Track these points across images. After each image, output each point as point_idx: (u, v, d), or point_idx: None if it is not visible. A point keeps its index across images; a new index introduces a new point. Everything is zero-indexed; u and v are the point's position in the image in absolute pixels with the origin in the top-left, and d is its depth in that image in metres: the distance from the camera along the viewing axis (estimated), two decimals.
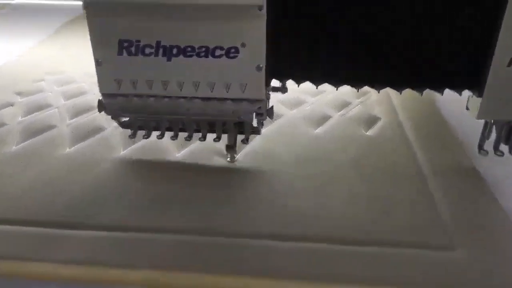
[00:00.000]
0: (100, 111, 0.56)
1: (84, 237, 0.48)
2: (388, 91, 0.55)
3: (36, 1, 0.68)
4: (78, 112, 0.75)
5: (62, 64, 1.00)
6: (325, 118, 0.74)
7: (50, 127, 0.71)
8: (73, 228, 0.49)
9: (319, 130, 0.71)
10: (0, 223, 0.49)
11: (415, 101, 0.76)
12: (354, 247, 0.46)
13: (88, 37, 0.52)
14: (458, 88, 0.53)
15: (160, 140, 0.64)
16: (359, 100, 0.81)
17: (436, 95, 0.53)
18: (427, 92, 0.53)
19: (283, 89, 0.58)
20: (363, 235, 0.48)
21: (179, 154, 0.63)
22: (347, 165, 0.61)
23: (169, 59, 0.51)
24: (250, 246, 0.47)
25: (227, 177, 0.59)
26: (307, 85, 0.56)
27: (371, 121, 0.73)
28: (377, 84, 0.54)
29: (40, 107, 0.77)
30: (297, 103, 0.80)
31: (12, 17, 0.73)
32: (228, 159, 0.62)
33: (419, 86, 0.53)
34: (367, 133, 0.70)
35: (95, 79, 0.84)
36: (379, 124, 0.72)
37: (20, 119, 0.73)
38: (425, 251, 0.45)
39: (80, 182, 0.56)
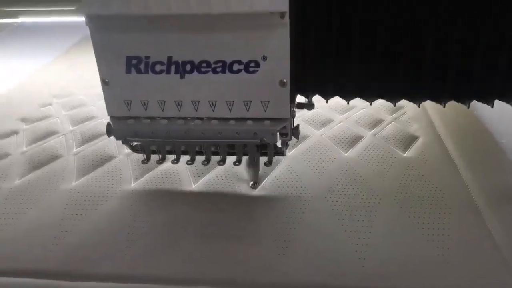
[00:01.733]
0: (109, 135, 0.53)
1: None
2: (425, 105, 0.50)
3: (44, 19, 0.67)
4: (87, 139, 0.73)
5: (71, 85, 0.98)
6: (356, 138, 0.70)
7: (56, 157, 0.68)
8: (72, 279, 0.45)
9: (350, 152, 0.66)
10: None
11: (455, 115, 0.71)
12: None
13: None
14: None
15: (176, 166, 0.61)
16: (393, 116, 0.76)
17: (476, 108, 0.49)
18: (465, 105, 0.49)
19: (310, 106, 0.54)
20: (415, 284, 0.43)
21: (196, 185, 0.60)
22: (386, 193, 0.56)
23: (182, 77, 0.48)
24: None
25: (250, 211, 0.55)
26: (334, 100, 0.52)
27: (408, 140, 0.68)
28: (417, 97, 0.50)
29: (46, 135, 0.75)
30: (324, 122, 0.75)
31: (19, 36, 0.71)
32: (251, 184, 0.58)
33: (464, 97, 0.49)
34: (405, 154, 0.65)
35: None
36: (418, 144, 0.67)
37: (24, 148, 0.71)
38: None
39: (84, 223, 0.53)
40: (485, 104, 0.49)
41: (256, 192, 0.58)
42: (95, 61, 0.49)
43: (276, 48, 0.45)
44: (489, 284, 0.43)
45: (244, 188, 0.58)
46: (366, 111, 0.77)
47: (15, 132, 0.75)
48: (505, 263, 0.45)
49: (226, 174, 0.61)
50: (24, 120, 0.80)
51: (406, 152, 0.65)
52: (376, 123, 0.74)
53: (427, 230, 0.50)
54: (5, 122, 0.79)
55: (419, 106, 0.50)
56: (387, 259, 0.46)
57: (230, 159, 0.55)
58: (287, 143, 0.55)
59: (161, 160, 0.56)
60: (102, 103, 0.83)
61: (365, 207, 0.54)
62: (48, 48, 1.27)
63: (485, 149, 0.65)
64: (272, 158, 0.54)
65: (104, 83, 0.50)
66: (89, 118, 0.80)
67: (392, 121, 0.74)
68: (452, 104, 0.50)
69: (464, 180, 0.58)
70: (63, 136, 0.74)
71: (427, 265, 0.45)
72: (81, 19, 0.62)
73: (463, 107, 0.49)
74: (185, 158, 0.56)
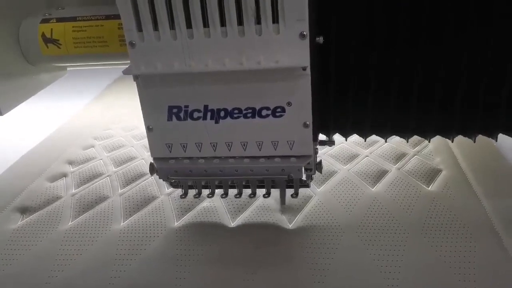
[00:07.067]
0: (152, 174, 0.61)
1: None
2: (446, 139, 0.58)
3: (80, 68, 0.78)
4: (130, 180, 0.82)
5: (108, 127, 1.08)
6: (382, 173, 0.77)
7: (104, 198, 0.77)
8: None
9: (377, 187, 0.73)
10: None
11: (475, 146, 0.76)
12: None
13: (131, 96, 0.57)
14: None
15: (214, 204, 0.71)
16: (415, 149, 0.83)
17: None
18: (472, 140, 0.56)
19: (330, 143, 0.62)
20: None
21: (234, 222, 0.67)
22: (413, 228, 0.62)
23: (217, 122, 0.56)
24: None
25: (287, 244, 0.61)
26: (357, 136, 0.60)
27: (431, 174, 0.75)
28: (427, 133, 0.57)
29: (93, 177, 0.84)
30: (350, 157, 0.83)
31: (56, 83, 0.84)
32: (280, 211, 0.67)
33: (471, 132, 0.56)
34: (429, 188, 0.71)
35: (142, 142, 0.93)
36: (441, 177, 0.74)
37: (73, 191, 0.80)
38: None
39: (136, 262, 0.60)
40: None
41: (291, 226, 0.65)
42: (131, 102, 0.57)
43: (300, 95, 0.53)
44: None
45: (278, 222, 0.66)
46: (390, 145, 0.84)
47: (64, 175, 0.86)
48: None
49: (260, 209, 0.69)
50: (70, 162, 0.91)
51: (430, 186, 0.72)
52: (399, 156, 0.81)
53: (454, 263, 0.55)
54: (53, 165, 0.90)
55: (429, 142, 0.58)
56: None
57: (259, 191, 0.63)
58: (312, 176, 0.63)
59: (198, 195, 0.65)
60: (139, 143, 0.95)
61: (394, 242, 0.60)
62: (83, 91, 1.41)
63: (505, 179, 0.71)
64: (298, 190, 0.62)
65: (149, 129, 0.59)
66: (130, 159, 0.90)
67: (415, 155, 0.81)
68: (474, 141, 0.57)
69: (487, 211, 0.64)
70: (107, 177, 0.84)
71: None
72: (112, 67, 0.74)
73: (483, 138, 0.57)
74: (218, 191, 0.64)
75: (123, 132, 1.04)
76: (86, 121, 1.16)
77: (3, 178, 0.89)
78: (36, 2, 0.74)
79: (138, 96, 0.56)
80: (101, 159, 0.91)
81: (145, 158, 0.90)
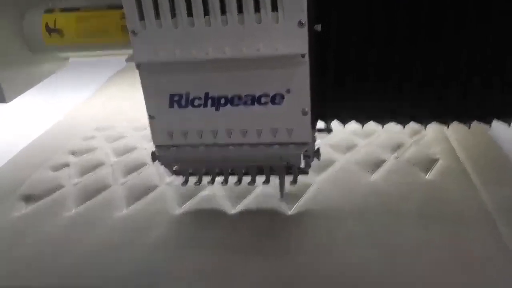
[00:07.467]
0: (153, 161, 0.63)
1: None
2: (444, 128, 0.59)
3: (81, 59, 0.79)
4: (131, 169, 0.83)
5: (110, 118, 1.10)
6: (380, 162, 0.78)
7: (106, 187, 0.78)
8: None
9: (375, 176, 0.74)
10: None
11: (470, 133, 0.77)
12: None
13: (133, 89, 0.58)
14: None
15: (214, 192, 0.72)
16: (413, 139, 0.85)
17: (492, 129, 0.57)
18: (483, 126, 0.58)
19: (328, 130, 0.64)
20: None
21: (234, 209, 0.69)
22: (411, 216, 0.63)
23: (217, 109, 0.58)
24: None
25: (286, 231, 0.63)
26: (357, 125, 0.62)
27: (429, 163, 0.76)
28: (423, 119, 0.59)
29: (94, 166, 0.86)
30: (349, 147, 0.84)
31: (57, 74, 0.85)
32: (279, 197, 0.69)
33: (466, 118, 0.57)
34: (427, 177, 0.73)
35: (143, 133, 0.95)
36: (438, 166, 0.75)
37: (76, 180, 0.82)
38: None
39: (140, 248, 0.62)
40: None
41: (290, 213, 0.67)
42: (133, 94, 0.59)
43: (298, 82, 0.54)
44: None
45: (278, 209, 0.67)
46: (388, 135, 0.86)
47: (66, 165, 0.88)
48: None
49: (260, 197, 0.71)
50: (72, 152, 0.93)
51: (428, 175, 0.73)
52: (397, 146, 0.83)
53: (450, 252, 0.56)
54: (56, 155, 0.92)
55: (425, 128, 0.59)
56: (415, 281, 0.53)
57: (259, 179, 0.64)
58: (310, 163, 0.65)
59: (199, 182, 0.66)
60: (140, 134, 0.97)
61: (392, 230, 0.61)
62: (85, 83, 1.43)
63: (502, 169, 0.73)
64: (297, 177, 0.63)
65: (150, 117, 0.60)
66: (131, 149, 0.92)
67: (412, 144, 0.83)
68: (471, 130, 0.59)
69: (483, 200, 0.65)
70: (109, 167, 0.85)
71: (447, 277, 0.52)
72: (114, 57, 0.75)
73: (479, 128, 0.58)
74: (219, 179, 0.66)
75: (125, 123, 1.06)
76: (88, 113, 1.17)
77: (6, 167, 0.90)
78: None
79: (139, 88, 0.58)
80: (102, 149, 0.93)
81: (146, 148, 0.91)
